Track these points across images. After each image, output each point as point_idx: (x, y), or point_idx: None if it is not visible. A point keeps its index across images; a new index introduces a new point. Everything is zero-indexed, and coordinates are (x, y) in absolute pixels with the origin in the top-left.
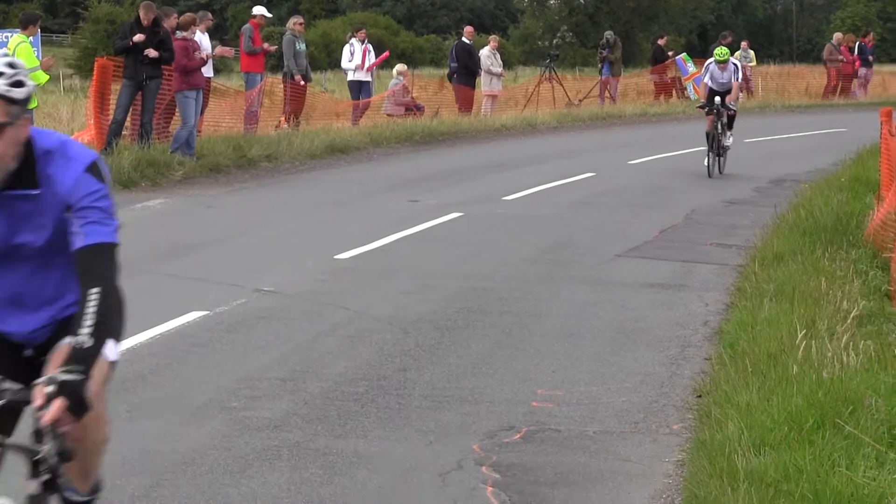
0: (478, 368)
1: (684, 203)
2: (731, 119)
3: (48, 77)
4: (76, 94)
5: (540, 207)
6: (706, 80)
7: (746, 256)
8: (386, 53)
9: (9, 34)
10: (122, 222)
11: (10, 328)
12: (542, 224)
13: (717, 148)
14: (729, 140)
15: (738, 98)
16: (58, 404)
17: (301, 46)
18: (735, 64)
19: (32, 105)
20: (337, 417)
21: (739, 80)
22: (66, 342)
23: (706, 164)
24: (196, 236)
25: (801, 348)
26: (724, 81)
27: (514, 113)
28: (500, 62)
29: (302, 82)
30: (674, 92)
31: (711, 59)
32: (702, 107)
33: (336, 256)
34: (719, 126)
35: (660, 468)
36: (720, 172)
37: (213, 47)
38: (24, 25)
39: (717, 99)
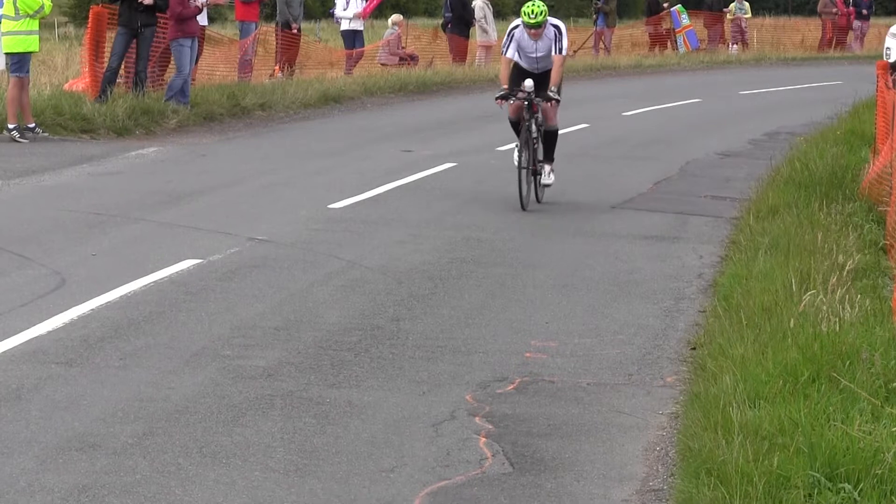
0: (471, 319)
1: (679, 155)
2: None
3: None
4: (71, 42)
5: None
6: (510, 53)
7: (741, 209)
8: None
9: None
10: (117, 170)
11: None
12: None
13: (531, 159)
14: (548, 176)
15: (560, 81)
16: None
17: None
18: (557, 28)
19: (34, 48)
20: (330, 367)
21: (563, 52)
22: None
23: (518, 184)
24: (190, 185)
25: (797, 302)
26: (540, 55)
27: None
28: (493, 16)
29: (295, 31)
30: (668, 44)
31: (517, 22)
32: (503, 97)
33: (330, 206)
34: (534, 126)
35: (653, 420)
36: (538, 201)
37: None
38: None
39: (528, 83)
